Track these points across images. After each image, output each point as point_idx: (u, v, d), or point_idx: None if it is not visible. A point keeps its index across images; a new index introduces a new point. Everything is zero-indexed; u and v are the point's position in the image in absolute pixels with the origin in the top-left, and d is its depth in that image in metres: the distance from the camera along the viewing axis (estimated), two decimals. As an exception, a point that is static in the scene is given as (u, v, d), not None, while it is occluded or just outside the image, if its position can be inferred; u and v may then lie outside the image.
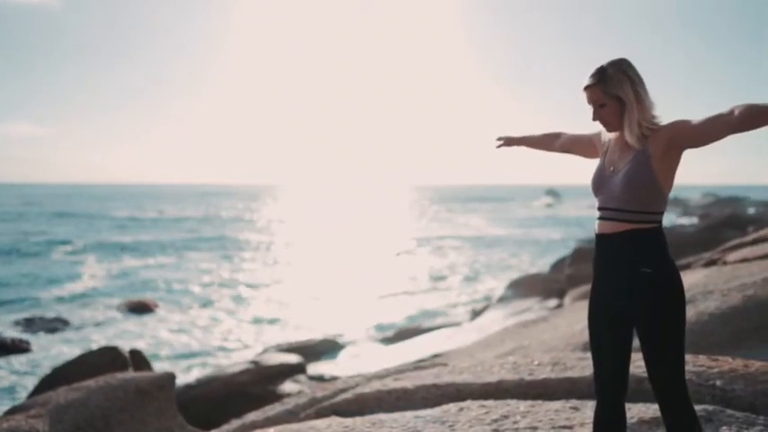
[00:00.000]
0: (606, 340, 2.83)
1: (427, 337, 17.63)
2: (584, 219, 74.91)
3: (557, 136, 3.29)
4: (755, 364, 4.55)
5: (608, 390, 2.86)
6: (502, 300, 22.06)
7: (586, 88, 2.78)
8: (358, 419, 4.18)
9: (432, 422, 3.89)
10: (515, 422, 3.75)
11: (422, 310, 24.04)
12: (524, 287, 22.63)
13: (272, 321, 22.44)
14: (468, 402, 4.16)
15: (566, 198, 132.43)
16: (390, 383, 4.81)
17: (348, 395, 4.84)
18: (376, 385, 4.86)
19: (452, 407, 4.11)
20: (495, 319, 18.64)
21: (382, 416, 4.19)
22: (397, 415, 4.14)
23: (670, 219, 55.38)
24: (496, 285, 28.05)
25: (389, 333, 19.31)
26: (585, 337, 7.74)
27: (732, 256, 9.73)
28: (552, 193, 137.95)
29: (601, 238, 2.80)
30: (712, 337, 6.38)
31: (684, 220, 51.19)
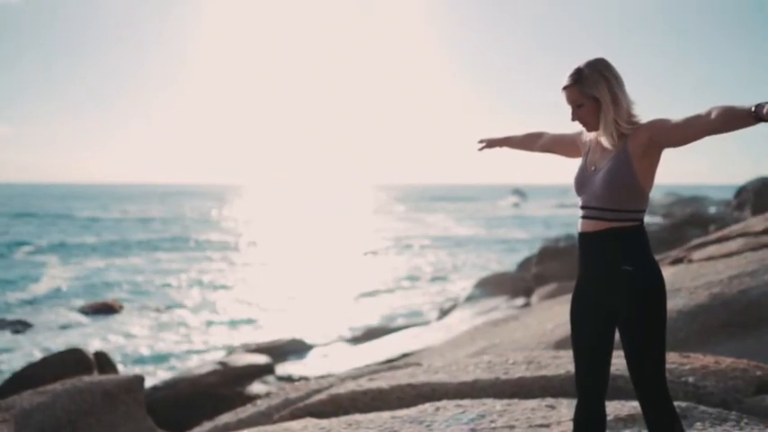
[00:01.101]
0: (588, 339, 2.84)
1: (395, 336, 17.63)
2: (550, 218, 75.62)
3: (538, 136, 3.29)
4: (726, 360, 4.61)
5: (588, 389, 2.87)
6: (469, 299, 22.15)
7: (564, 89, 2.79)
8: (334, 420, 4.14)
9: (408, 422, 3.86)
10: (492, 421, 3.74)
11: (389, 309, 24.03)
12: (491, 286, 22.75)
13: (240, 322, 22.23)
14: (444, 402, 4.14)
15: (532, 197, 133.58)
16: (365, 384, 4.77)
17: (322, 396, 4.79)
18: (350, 386, 4.82)
19: (429, 407, 4.09)
20: (462, 319, 18.71)
21: (358, 416, 4.15)
22: (372, 415, 4.11)
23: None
24: (464, 284, 28.15)
25: (357, 333, 19.26)
26: (557, 335, 7.82)
27: (697, 255, 9.88)
28: (518, 192, 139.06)
29: (583, 236, 2.81)
30: (681, 334, 6.47)
31: (648, 219, 51.83)
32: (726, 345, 6.33)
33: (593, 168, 2.81)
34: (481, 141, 3.47)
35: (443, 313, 21.04)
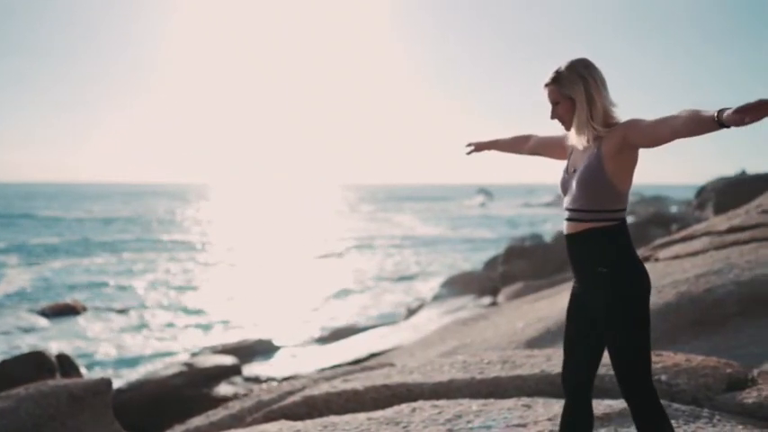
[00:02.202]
0: (574, 337, 2.88)
1: (363, 336, 17.60)
2: (516, 217, 76.24)
3: (526, 139, 3.29)
4: (697, 358, 4.65)
5: (570, 386, 2.90)
6: (436, 298, 22.22)
7: (545, 86, 2.82)
8: (309, 423, 4.09)
9: (385, 423, 3.83)
10: (469, 421, 3.72)
11: (357, 309, 23.99)
12: (458, 285, 22.85)
13: (205, 323, 22.00)
14: (419, 403, 4.11)
15: (498, 197, 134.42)
16: (339, 385, 4.72)
17: (296, 398, 4.73)
18: (324, 387, 4.77)
19: (405, 407, 4.06)
20: (430, 318, 18.74)
21: (334, 418, 4.10)
22: (348, 417, 4.06)
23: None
24: (431, 284, 28.21)
25: (325, 333, 19.18)
26: (528, 334, 7.85)
27: (663, 254, 10.01)
28: (484, 192, 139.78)
29: (566, 238, 2.83)
30: (651, 333, 6.52)
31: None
32: (694, 343, 6.41)
33: (573, 170, 2.82)
34: (469, 145, 3.46)
35: (411, 313, 21.05)
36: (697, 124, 2.34)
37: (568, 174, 2.84)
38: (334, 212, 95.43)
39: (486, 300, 19.83)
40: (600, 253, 2.69)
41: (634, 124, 2.62)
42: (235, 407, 5.42)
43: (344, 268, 35.70)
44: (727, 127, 2.23)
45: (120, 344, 19.12)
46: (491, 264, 25.99)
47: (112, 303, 25.13)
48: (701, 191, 33.66)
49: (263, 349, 17.26)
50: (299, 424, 4.12)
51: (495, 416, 3.79)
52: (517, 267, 22.80)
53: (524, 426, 3.64)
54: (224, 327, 21.38)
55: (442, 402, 4.09)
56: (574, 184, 2.76)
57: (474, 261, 35.76)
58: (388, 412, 4.03)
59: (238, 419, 5.07)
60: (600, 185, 2.68)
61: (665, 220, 26.94)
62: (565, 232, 2.82)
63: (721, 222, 10.73)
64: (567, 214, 2.81)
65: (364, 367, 5.63)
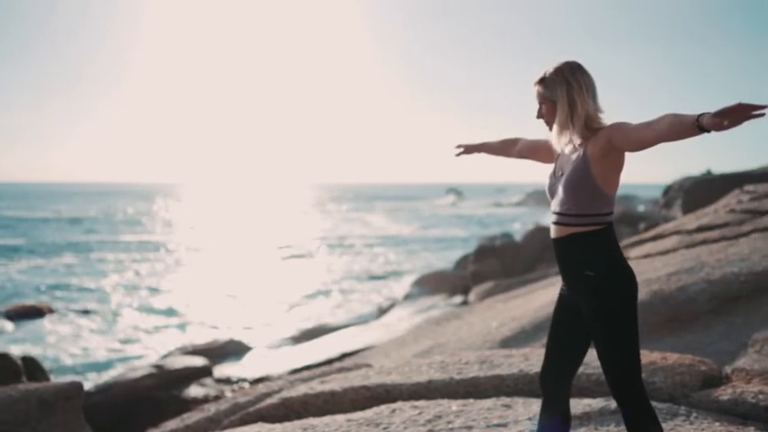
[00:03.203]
0: (561, 337, 2.88)
1: (334, 336, 17.53)
2: (487, 217, 76.62)
3: (514, 142, 3.29)
4: (672, 356, 4.70)
5: (550, 385, 2.91)
6: (407, 297, 22.23)
7: (534, 85, 2.85)
8: (288, 425, 4.03)
9: (365, 425, 3.79)
10: (449, 422, 3.71)
11: (328, 309, 23.92)
12: (430, 284, 22.88)
13: (175, 324, 21.74)
14: (399, 404, 4.09)
15: (468, 196, 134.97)
16: (317, 386, 4.67)
17: (273, 400, 4.67)
18: (302, 389, 4.71)
19: (384, 408, 4.03)
20: (401, 317, 18.75)
21: (312, 420, 4.06)
22: (327, 419, 4.02)
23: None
24: (402, 283, 28.22)
25: (296, 333, 19.06)
26: (503, 333, 7.87)
27: (634, 252, 10.11)
28: (455, 191, 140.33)
29: (553, 242, 2.83)
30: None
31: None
32: (667, 340, 6.47)
33: (560, 174, 2.82)
34: (458, 147, 3.45)
35: (382, 312, 21.04)
36: (679, 128, 2.34)
37: (555, 177, 2.84)
38: (304, 212, 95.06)
39: (458, 299, 19.89)
40: (588, 256, 2.70)
41: (618, 128, 2.62)
42: (210, 409, 5.34)
43: (315, 268, 35.56)
44: (708, 131, 2.24)
45: (88, 346, 18.81)
46: (462, 263, 26.09)
47: (79, 305, 24.72)
48: (668, 190, 34.17)
49: (233, 350, 17.09)
50: (277, 426, 4.06)
51: (476, 416, 3.78)
52: (488, 266, 22.90)
53: (505, 425, 3.63)
54: (194, 328, 21.15)
55: (421, 403, 4.07)
56: (561, 187, 2.76)
57: (445, 260, 35.86)
58: (368, 413, 4.00)
59: (214, 422, 4.99)
60: (587, 189, 2.68)
61: (632, 219, 27.25)
62: (552, 236, 2.82)
63: (690, 221, 10.87)
64: (554, 218, 2.81)
65: (341, 368, 5.58)
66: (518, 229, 39.69)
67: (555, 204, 2.81)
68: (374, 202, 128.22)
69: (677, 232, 10.30)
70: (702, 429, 3.66)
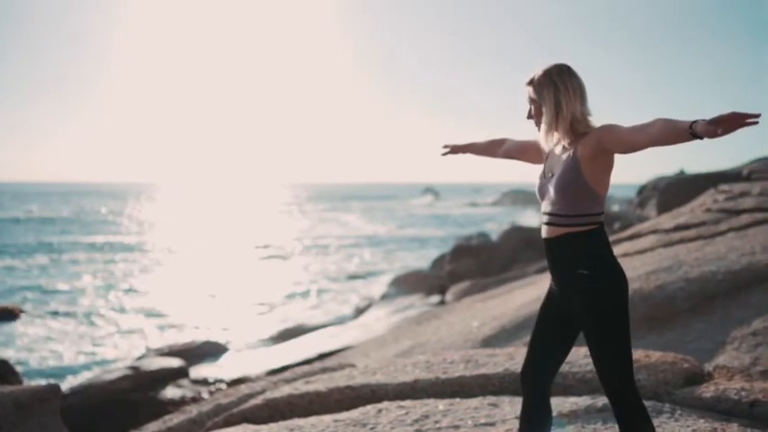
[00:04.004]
0: (546, 335, 2.88)
1: (312, 336, 17.46)
2: (463, 216, 76.87)
3: (501, 142, 3.30)
4: (655, 354, 4.73)
5: (532, 382, 2.90)
6: (384, 297, 22.23)
7: (525, 86, 2.88)
8: (273, 426, 3.99)
9: (352, 425, 3.76)
10: (437, 422, 3.69)
11: (305, 309, 23.83)
12: (406, 284, 22.91)
13: (151, 325, 21.51)
14: (385, 404, 4.06)
15: (444, 196, 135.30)
16: (302, 387, 4.63)
17: (257, 401, 4.62)
18: (286, 389, 4.66)
19: (370, 408, 4.00)
20: (378, 317, 18.74)
21: (298, 421, 4.01)
22: (313, 419, 3.98)
23: (541, 217, 57.68)
24: (379, 283, 28.20)
25: (273, 333, 18.97)
26: (484, 333, 7.87)
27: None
28: (431, 191, 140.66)
29: (545, 242, 2.83)
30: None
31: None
32: (647, 338, 6.52)
33: (550, 174, 2.83)
34: (445, 147, 3.45)
35: (359, 312, 21.01)
36: (672, 134, 2.36)
37: (546, 178, 2.85)
38: (281, 212, 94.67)
39: (434, 298, 19.92)
40: (581, 256, 2.70)
41: (609, 130, 2.63)
42: (192, 411, 5.27)
43: (292, 268, 35.42)
44: (701, 138, 2.26)
45: (61, 349, 18.55)
46: (438, 262, 26.15)
47: (51, 307, 24.37)
48: (642, 190, 34.51)
49: (210, 351, 16.94)
50: (263, 428, 4.01)
51: (463, 415, 3.77)
52: (464, 266, 22.97)
53: (493, 425, 3.62)
54: (169, 329, 20.94)
55: (407, 403, 4.05)
56: (551, 188, 2.77)
57: (421, 260, 35.90)
58: (354, 414, 3.96)
59: (197, 424, 4.92)
60: (578, 189, 2.69)
61: (607, 218, 27.36)
62: (544, 236, 2.82)
63: (667, 221, 10.98)
64: (545, 218, 2.82)
65: (325, 368, 5.54)
66: (495, 229, 39.87)
67: (546, 205, 2.81)
68: (350, 201, 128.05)
69: (654, 231, 10.40)
70: (687, 426, 3.68)
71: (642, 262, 8.45)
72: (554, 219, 2.76)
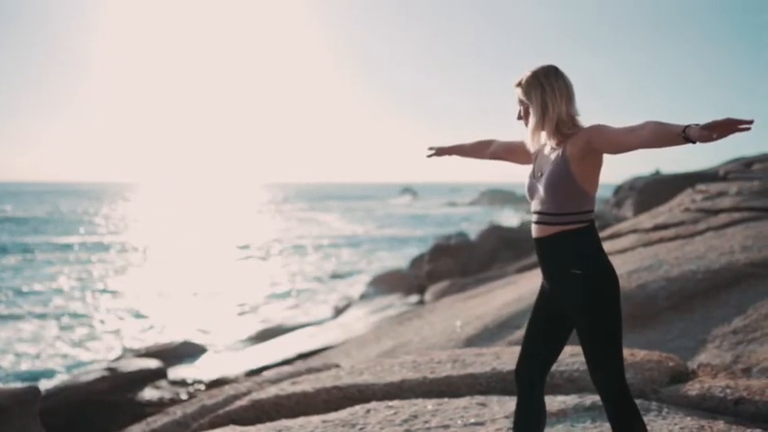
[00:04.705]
0: (540, 333, 2.89)
1: (290, 336, 17.40)
2: (441, 216, 77.04)
3: (488, 143, 3.31)
4: (640, 353, 4.75)
5: (525, 380, 2.91)
6: (363, 297, 22.21)
7: (515, 88, 2.90)
8: (261, 427, 3.94)
9: (341, 426, 3.73)
10: (426, 421, 3.67)
11: (283, 309, 23.72)
12: (385, 284, 22.90)
13: (128, 326, 21.29)
14: (373, 404, 4.04)
15: (422, 196, 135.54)
16: (288, 387, 4.58)
17: (243, 402, 4.57)
18: (273, 390, 4.62)
19: (359, 409, 3.97)
20: (357, 317, 18.72)
21: (286, 422, 3.97)
22: (302, 420, 3.94)
23: (522, 217, 58.10)
24: (358, 282, 28.15)
25: (252, 333, 18.87)
26: (467, 332, 7.87)
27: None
28: (409, 190, 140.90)
29: (535, 241, 2.84)
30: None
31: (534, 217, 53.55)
32: (629, 337, 6.54)
33: (539, 174, 2.84)
34: (430, 149, 3.45)
35: (338, 312, 20.95)
36: (664, 137, 2.37)
37: (535, 178, 2.86)
38: (259, 212, 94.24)
39: (413, 298, 19.92)
40: (572, 255, 2.71)
41: (599, 131, 2.65)
42: (176, 412, 5.20)
43: (270, 268, 35.26)
44: (693, 142, 2.28)
45: (37, 350, 18.29)
46: (417, 262, 26.15)
47: (25, 308, 24.00)
48: (618, 189, 34.76)
49: (188, 352, 16.80)
50: (250, 429, 3.97)
51: (452, 415, 3.75)
52: (443, 266, 23.00)
53: (482, 424, 3.61)
54: (147, 330, 20.74)
55: (395, 403, 4.03)
56: (541, 188, 2.78)
57: (400, 259, 35.90)
58: (343, 414, 3.94)
59: (182, 426, 4.86)
60: (568, 188, 2.70)
61: (586, 218, 27.58)
62: (534, 235, 2.83)
63: (646, 220, 11.07)
64: (535, 217, 2.83)
65: (311, 369, 5.50)
66: (473, 229, 39.98)
67: (536, 204, 2.82)
68: (328, 201, 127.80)
69: (634, 231, 10.48)
70: (675, 424, 3.70)
71: (623, 261, 8.50)
72: (544, 217, 2.77)
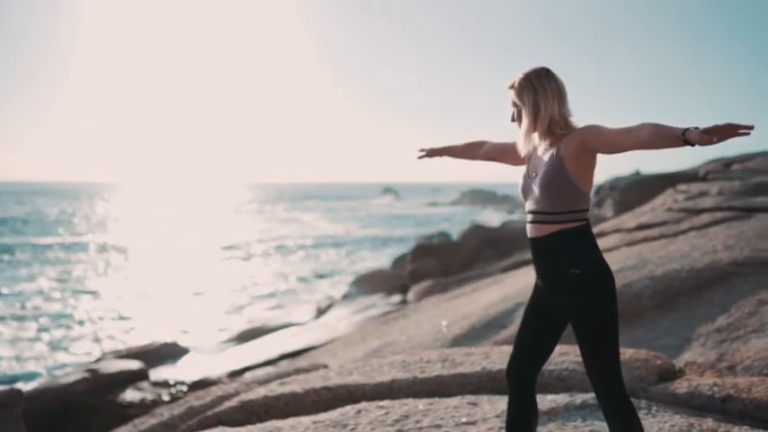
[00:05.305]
0: (534, 332, 2.88)
1: (273, 336, 17.33)
2: (423, 216, 77.18)
3: (480, 145, 3.31)
4: (628, 351, 4.77)
5: (518, 379, 2.91)
6: (346, 297, 22.16)
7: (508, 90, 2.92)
8: (251, 428, 3.91)
9: (332, 426, 3.71)
10: (418, 421, 3.66)
11: (266, 309, 23.63)
12: (368, 284, 22.87)
13: (108, 327, 21.09)
14: (364, 404, 4.01)
15: (404, 196, 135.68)
16: (277, 388, 4.55)
17: (232, 403, 4.53)
18: (262, 391, 4.58)
19: (349, 409, 3.95)
20: (340, 317, 18.68)
21: (277, 423, 3.94)
22: (292, 421, 3.91)
23: (501, 217, 58.32)
24: (340, 283, 28.11)
25: (234, 334, 18.78)
26: (453, 332, 7.87)
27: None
28: (391, 190, 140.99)
29: (531, 241, 2.84)
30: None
31: (515, 217, 53.94)
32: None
33: (534, 174, 2.84)
34: (422, 150, 3.45)
35: (321, 312, 20.90)
36: (662, 139, 2.38)
37: (530, 178, 2.86)
38: (241, 212, 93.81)
39: (396, 298, 19.92)
40: (569, 254, 2.70)
41: (595, 131, 2.65)
42: (164, 414, 5.14)
43: (253, 268, 35.12)
44: (692, 145, 2.28)
45: (15, 351, 18.06)
46: (399, 262, 26.14)
47: (5, 310, 23.71)
48: (599, 189, 34.98)
49: (170, 353, 16.66)
50: (240, 430, 3.93)
51: (443, 414, 3.74)
52: (426, 265, 23.00)
53: (474, 423, 3.60)
54: (128, 331, 20.57)
55: (386, 403, 4.01)
56: (536, 187, 2.78)
57: (382, 259, 35.91)
58: (333, 415, 3.91)
59: (170, 427, 4.81)
60: (563, 186, 2.71)
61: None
62: (530, 235, 2.83)
63: (630, 220, 11.13)
64: (530, 217, 2.83)
65: (299, 369, 5.47)
66: (456, 228, 40.07)
67: (530, 204, 2.82)
68: (310, 201, 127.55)
69: (618, 230, 10.53)
70: (665, 422, 3.71)
71: (607, 260, 8.52)
72: (540, 217, 2.77)
